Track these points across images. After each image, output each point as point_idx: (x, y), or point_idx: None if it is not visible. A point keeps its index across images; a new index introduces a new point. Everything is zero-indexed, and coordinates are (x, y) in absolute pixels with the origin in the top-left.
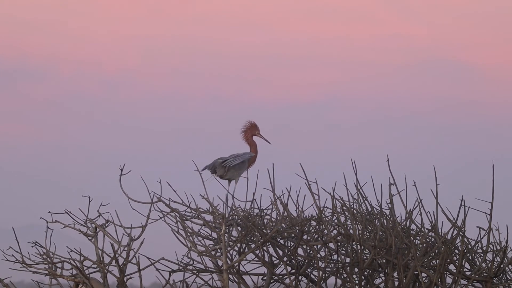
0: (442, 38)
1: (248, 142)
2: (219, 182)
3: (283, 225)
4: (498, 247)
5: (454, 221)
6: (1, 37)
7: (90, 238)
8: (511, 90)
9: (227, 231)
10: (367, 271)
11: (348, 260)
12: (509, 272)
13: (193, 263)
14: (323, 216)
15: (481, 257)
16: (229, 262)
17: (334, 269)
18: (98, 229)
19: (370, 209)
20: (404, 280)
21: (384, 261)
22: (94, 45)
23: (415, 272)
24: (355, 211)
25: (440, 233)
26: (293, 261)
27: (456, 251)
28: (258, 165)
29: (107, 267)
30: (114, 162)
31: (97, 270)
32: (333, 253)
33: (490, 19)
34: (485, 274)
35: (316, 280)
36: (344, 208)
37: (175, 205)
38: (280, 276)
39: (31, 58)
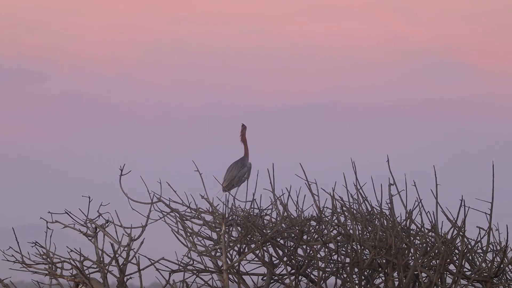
0: (442, 38)
1: (244, 142)
2: (222, 187)
3: (283, 225)
4: (498, 247)
5: (454, 221)
6: (1, 37)
7: (90, 238)
8: (511, 90)
9: (227, 231)
10: (367, 271)
11: (348, 260)
12: (509, 272)
13: (193, 263)
14: (323, 216)
15: (481, 257)
16: (229, 262)
17: (334, 269)
18: (98, 229)
19: (370, 209)
20: (404, 280)
21: (384, 261)
22: (93, 45)
23: (415, 272)
24: (355, 211)
25: (440, 233)
26: (293, 261)
27: (456, 251)
28: (258, 165)
29: (107, 267)
30: (114, 162)
31: (97, 270)
32: (333, 253)
33: (490, 19)
34: (485, 274)
35: (316, 280)
36: (344, 208)
37: (175, 205)
38: (280, 276)
39: (31, 58)
